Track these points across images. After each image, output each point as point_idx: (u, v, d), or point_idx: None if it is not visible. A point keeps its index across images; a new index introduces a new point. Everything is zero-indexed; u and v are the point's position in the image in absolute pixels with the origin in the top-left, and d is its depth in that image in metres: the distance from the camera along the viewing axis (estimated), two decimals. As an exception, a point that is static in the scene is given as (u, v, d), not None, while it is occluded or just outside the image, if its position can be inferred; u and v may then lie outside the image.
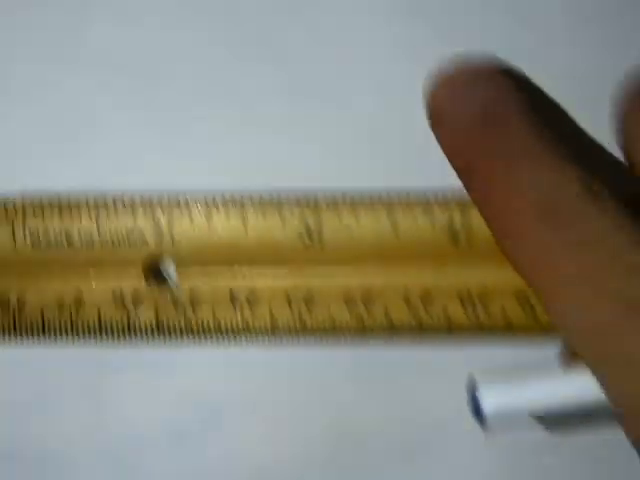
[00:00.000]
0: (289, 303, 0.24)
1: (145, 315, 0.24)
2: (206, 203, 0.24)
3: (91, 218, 0.24)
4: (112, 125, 0.24)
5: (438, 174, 0.23)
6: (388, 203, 0.24)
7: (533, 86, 0.23)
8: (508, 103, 0.22)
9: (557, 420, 0.21)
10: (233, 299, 0.24)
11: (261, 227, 0.24)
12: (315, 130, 0.24)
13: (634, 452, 0.19)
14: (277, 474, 0.25)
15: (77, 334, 0.24)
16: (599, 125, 0.22)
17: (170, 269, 0.25)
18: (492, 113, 0.22)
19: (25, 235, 0.24)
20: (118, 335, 0.24)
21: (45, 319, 0.24)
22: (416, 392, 0.26)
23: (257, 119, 0.24)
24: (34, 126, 0.24)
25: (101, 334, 0.24)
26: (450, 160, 0.22)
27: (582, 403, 0.20)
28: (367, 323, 0.24)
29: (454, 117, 0.22)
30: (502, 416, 0.20)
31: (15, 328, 0.24)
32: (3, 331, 0.24)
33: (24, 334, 0.24)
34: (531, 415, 0.21)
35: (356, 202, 0.24)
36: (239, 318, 0.24)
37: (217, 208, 0.24)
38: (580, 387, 0.20)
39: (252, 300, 0.24)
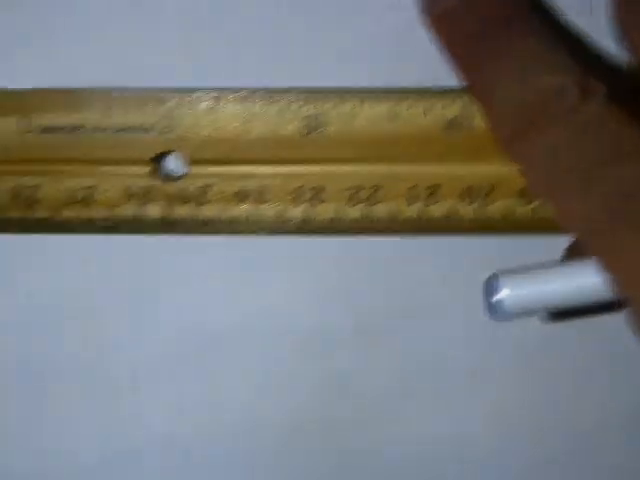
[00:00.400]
0: (296, 200, 0.25)
1: (154, 210, 0.25)
2: (214, 98, 0.25)
3: (101, 113, 0.25)
4: (122, 22, 0.24)
5: (438, 71, 0.23)
6: (390, 96, 0.25)
7: None
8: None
9: (565, 311, 0.22)
10: (241, 195, 0.25)
11: (267, 120, 0.25)
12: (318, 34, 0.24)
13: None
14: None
15: (88, 229, 0.25)
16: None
17: (179, 165, 0.25)
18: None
19: (36, 128, 0.25)
20: (128, 230, 0.25)
21: (57, 214, 0.25)
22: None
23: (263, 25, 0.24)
24: (49, 22, 0.24)
25: (112, 227, 0.25)
26: (449, 54, 0.23)
27: (591, 298, 0.21)
28: (372, 218, 0.25)
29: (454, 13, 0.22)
30: (517, 306, 0.22)
31: (28, 222, 0.25)
32: (18, 224, 0.25)
33: (37, 228, 0.25)
34: (544, 308, 0.22)
35: (358, 94, 0.25)
36: (247, 214, 0.25)
37: (224, 103, 0.25)
38: (590, 282, 0.21)
39: (260, 197, 0.25)
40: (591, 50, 0.24)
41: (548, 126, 0.21)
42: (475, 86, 0.23)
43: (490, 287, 0.22)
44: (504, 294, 0.22)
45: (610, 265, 0.20)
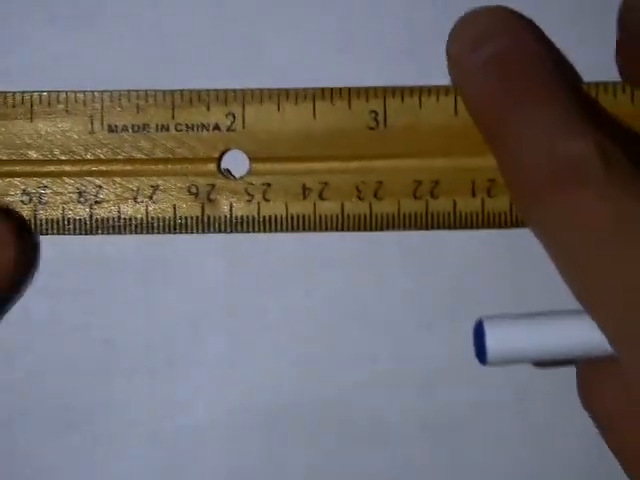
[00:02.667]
0: (359, 195, 0.25)
1: (218, 208, 0.25)
2: (277, 96, 0.25)
3: (167, 113, 0.25)
4: (185, 23, 0.25)
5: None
6: (450, 90, 0.25)
7: (546, 38, 0.25)
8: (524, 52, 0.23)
9: (553, 362, 0.22)
10: (305, 192, 0.25)
11: (330, 116, 0.25)
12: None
13: None
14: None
15: (151, 228, 0.25)
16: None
17: (243, 163, 0.25)
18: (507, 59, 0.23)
19: (102, 129, 0.25)
20: (192, 228, 0.25)
21: (121, 213, 0.25)
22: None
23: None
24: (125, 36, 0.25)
25: (175, 227, 0.25)
26: (470, 109, 0.24)
27: (580, 350, 0.22)
28: (433, 212, 0.25)
29: (470, 63, 0.23)
30: (503, 356, 0.22)
31: (91, 221, 0.25)
32: (80, 225, 0.25)
33: (100, 228, 0.25)
34: (529, 360, 0.22)
35: (419, 89, 0.25)
36: (310, 210, 0.25)
37: (287, 101, 0.25)
38: (580, 335, 0.21)
39: (323, 193, 0.25)
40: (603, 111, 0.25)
41: (573, 189, 0.21)
42: (497, 141, 0.23)
43: (477, 333, 0.21)
44: (489, 344, 0.21)
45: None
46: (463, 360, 0.24)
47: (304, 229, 0.25)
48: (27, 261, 0.25)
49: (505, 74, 0.23)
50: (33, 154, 0.25)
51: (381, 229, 0.25)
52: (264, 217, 0.25)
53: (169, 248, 0.26)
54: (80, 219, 0.25)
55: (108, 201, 0.25)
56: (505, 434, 0.26)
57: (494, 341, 0.21)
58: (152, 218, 0.25)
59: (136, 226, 0.25)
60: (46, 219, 0.25)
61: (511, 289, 0.26)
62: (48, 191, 0.25)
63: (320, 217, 0.25)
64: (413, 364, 0.26)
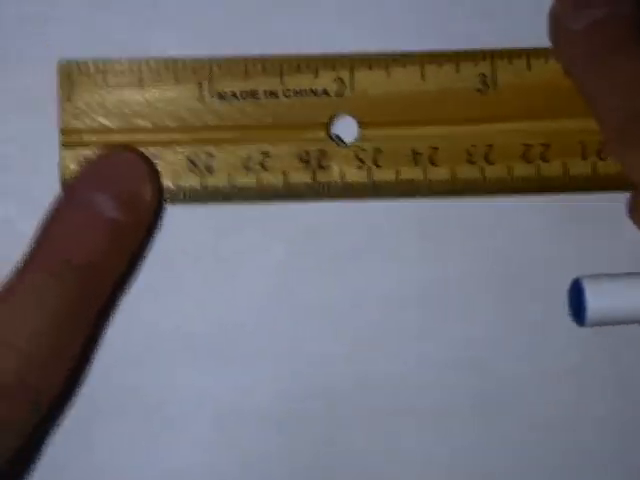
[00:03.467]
0: (469, 159, 0.25)
1: (329, 174, 0.25)
2: (386, 61, 0.25)
3: (275, 79, 0.25)
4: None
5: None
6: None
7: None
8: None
9: None
10: (415, 157, 0.25)
11: (438, 79, 0.25)
12: None
13: None
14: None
15: (263, 196, 0.25)
16: None
17: (353, 128, 0.25)
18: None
19: (211, 96, 0.25)
20: (303, 195, 0.25)
21: (231, 181, 0.25)
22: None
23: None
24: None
25: (286, 194, 0.25)
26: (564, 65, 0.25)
27: None
28: (545, 175, 0.25)
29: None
30: (602, 315, 0.21)
31: (204, 190, 0.25)
32: (191, 193, 0.25)
33: (212, 196, 0.25)
34: (629, 320, 0.22)
35: (526, 51, 0.25)
36: (421, 175, 0.25)
37: (397, 65, 0.25)
38: None
39: (434, 158, 0.25)
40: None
41: None
42: (590, 92, 0.24)
43: (574, 293, 0.21)
44: (589, 302, 0.21)
45: None
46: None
47: (415, 195, 0.25)
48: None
49: (605, 39, 0.24)
50: (142, 122, 0.25)
51: (493, 194, 0.25)
52: (375, 182, 0.25)
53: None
54: (191, 187, 0.25)
55: (219, 169, 0.25)
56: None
57: (594, 300, 0.21)
58: (263, 185, 0.25)
59: (248, 194, 0.25)
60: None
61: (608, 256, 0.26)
62: (159, 160, 0.25)
63: (431, 182, 0.25)
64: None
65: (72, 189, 0.23)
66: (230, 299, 0.26)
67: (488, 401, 0.26)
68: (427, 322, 0.26)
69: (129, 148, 0.24)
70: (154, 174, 0.24)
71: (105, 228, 0.23)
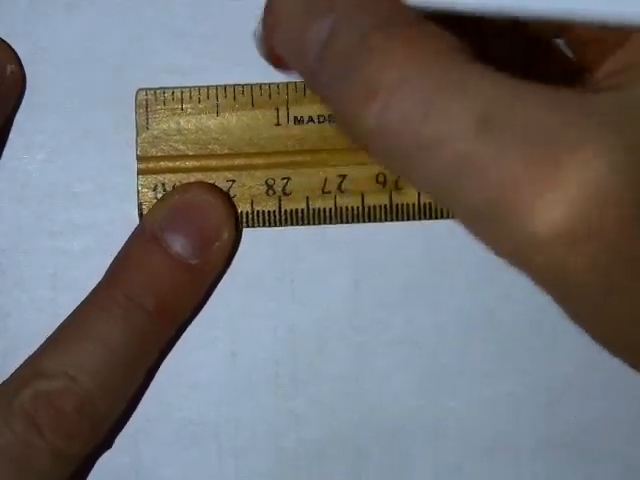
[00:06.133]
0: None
1: (406, 196, 0.25)
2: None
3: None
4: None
5: None
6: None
7: None
8: None
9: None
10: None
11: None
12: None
13: None
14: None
15: (340, 218, 0.25)
16: None
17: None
18: None
19: (287, 120, 0.25)
20: (380, 217, 0.25)
21: (309, 204, 0.25)
22: None
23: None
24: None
25: (364, 217, 0.25)
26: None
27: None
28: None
29: None
30: None
31: (280, 213, 0.25)
32: (269, 217, 0.25)
33: (288, 219, 0.25)
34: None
35: None
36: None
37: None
38: None
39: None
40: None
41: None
42: None
43: None
44: None
45: None
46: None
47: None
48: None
49: None
50: (219, 148, 0.25)
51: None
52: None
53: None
54: (269, 211, 0.25)
55: (297, 192, 0.25)
56: None
57: None
58: (341, 208, 0.25)
59: (325, 217, 0.25)
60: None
61: None
62: (236, 185, 0.25)
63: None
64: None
65: (150, 228, 0.23)
66: (304, 321, 0.26)
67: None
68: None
69: (208, 187, 0.24)
70: (232, 217, 0.24)
71: (179, 271, 0.23)
